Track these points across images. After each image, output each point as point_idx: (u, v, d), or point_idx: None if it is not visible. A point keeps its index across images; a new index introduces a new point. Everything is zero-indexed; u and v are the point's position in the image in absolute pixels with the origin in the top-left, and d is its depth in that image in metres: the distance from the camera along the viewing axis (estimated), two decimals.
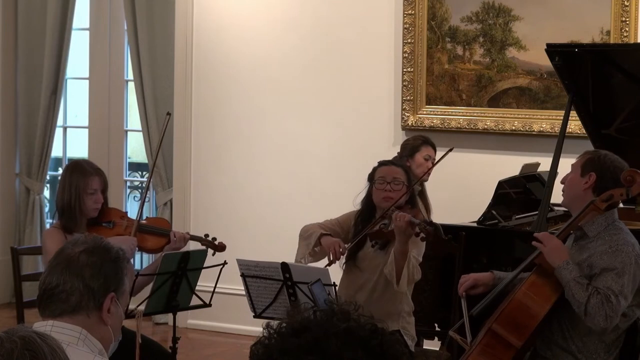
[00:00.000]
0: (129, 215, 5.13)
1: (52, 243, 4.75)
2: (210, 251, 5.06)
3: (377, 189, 4.81)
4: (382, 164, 4.92)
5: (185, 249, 5.05)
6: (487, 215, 5.35)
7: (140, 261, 7.69)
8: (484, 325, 4.13)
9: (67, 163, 8.02)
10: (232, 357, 6.81)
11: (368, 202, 4.87)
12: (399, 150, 5.98)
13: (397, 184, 4.78)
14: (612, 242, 4.02)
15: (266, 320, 1.76)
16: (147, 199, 8.02)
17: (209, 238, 5.10)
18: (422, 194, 5.94)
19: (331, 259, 4.75)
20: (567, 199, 4.23)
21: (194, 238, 5.10)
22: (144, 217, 5.37)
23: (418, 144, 5.89)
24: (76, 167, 4.99)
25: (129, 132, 8.01)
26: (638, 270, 4.00)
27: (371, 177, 4.89)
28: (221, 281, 4.99)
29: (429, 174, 5.83)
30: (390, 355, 1.70)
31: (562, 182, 4.31)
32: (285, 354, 1.68)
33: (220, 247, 5.10)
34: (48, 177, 8.17)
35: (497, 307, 4.14)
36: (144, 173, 8.09)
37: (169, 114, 5.52)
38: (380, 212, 4.78)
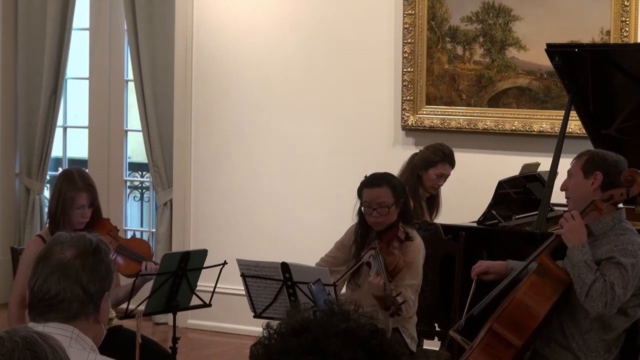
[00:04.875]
0: (124, 216, 5.04)
1: (29, 254, 4.75)
2: (210, 251, 5.04)
3: (365, 213, 4.74)
4: (365, 184, 4.77)
5: (185, 249, 5.04)
6: (487, 215, 5.35)
7: None
8: (485, 324, 4.14)
9: (64, 168, 7.99)
10: (232, 357, 6.81)
11: (362, 220, 4.79)
12: (418, 151, 5.85)
13: (383, 208, 4.67)
14: (617, 242, 4.03)
15: (266, 320, 1.76)
16: (146, 199, 8.05)
17: None
18: (431, 198, 5.85)
19: None
20: (575, 204, 4.17)
21: None
22: (130, 237, 5.26)
23: (436, 161, 5.71)
24: (67, 178, 4.89)
25: (129, 132, 8.01)
26: None
27: (359, 194, 4.78)
28: (221, 281, 4.99)
29: (437, 189, 5.78)
30: (390, 356, 1.70)
31: (562, 189, 4.29)
32: (285, 354, 1.68)
33: None
34: (48, 177, 8.17)
35: (498, 306, 4.15)
36: (144, 173, 8.09)
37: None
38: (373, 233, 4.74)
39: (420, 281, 4.74)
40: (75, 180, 4.87)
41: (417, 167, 5.69)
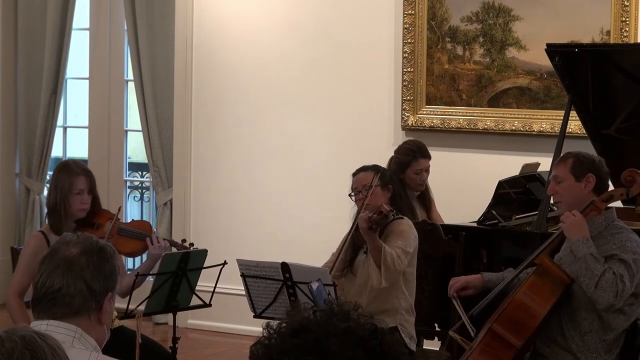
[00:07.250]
0: (124, 215, 5.05)
1: (29, 249, 4.77)
2: (211, 251, 5.03)
3: (355, 201, 4.88)
4: (353, 175, 4.95)
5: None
6: (487, 215, 5.35)
7: (133, 261, 7.66)
8: (485, 325, 4.14)
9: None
10: (232, 357, 6.81)
11: (356, 215, 4.86)
12: (393, 153, 5.87)
13: (367, 189, 4.80)
14: (615, 240, 4.03)
15: (266, 320, 1.76)
16: (146, 199, 8.05)
17: (186, 244, 5.02)
18: (421, 196, 5.85)
19: None
20: (566, 207, 4.16)
21: (171, 243, 5.04)
22: (129, 220, 5.28)
23: (408, 160, 5.69)
24: (63, 167, 4.93)
25: (129, 132, 8.01)
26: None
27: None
28: (221, 281, 4.99)
29: (422, 185, 5.76)
30: (390, 356, 1.71)
31: (551, 194, 4.28)
32: (285, 354, 1.68)
33: None
34: (48, 177, 8.16)
35: (497, 307, 4.15)
36: (144, 173, 8.09)
37: None
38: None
39: (410, 250, 4.72)
40: (71, 167, 4.91)
41: (395, 172, 5.61)
